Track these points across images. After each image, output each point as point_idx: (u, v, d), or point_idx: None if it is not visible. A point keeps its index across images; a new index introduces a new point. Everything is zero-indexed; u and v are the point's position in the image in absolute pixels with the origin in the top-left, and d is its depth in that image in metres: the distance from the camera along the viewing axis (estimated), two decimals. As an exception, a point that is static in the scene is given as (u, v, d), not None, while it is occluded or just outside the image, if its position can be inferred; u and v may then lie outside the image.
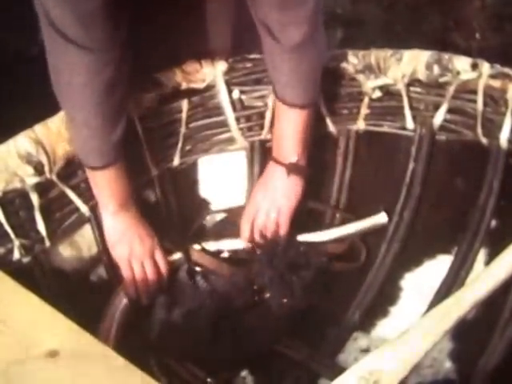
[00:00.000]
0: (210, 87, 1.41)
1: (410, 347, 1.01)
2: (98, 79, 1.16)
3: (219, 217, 1.46)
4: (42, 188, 1.28)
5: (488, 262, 1.28)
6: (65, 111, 1.24)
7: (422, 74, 1.34)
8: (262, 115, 1.44)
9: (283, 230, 1.36)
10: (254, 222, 1.37)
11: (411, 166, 1.40)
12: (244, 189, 1.47)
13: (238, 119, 1.44)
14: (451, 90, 1.34)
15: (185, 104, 1.40)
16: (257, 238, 1.37)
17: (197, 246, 1.38)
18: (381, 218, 1.41)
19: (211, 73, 1.40)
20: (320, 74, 1.29)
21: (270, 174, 1.36)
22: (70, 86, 1.17)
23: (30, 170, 1.25)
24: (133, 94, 1.31)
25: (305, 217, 1.40)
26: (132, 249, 1.31)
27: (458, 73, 1.32)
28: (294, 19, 1.17)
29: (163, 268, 1.34)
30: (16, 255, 1.27)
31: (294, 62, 1.24)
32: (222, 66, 1.40)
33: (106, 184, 1.27)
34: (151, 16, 1.27)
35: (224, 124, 1.45)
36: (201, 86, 1.40)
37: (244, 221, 1.37)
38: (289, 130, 1.31)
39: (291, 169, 1.33)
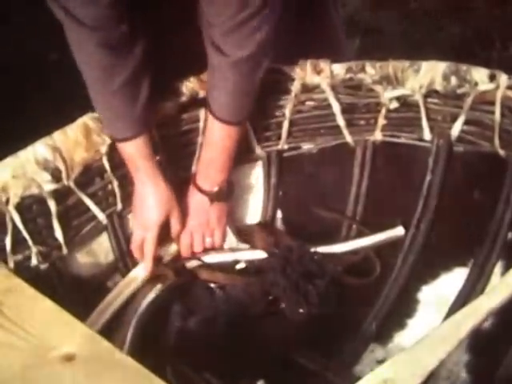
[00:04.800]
0: (226, 97, 1.42)
1: (424, 356, 1.00)
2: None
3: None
4: (60, 195, 1.28)
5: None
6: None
7: (439, 85, 1.33)
8: (279, 125, 1.44)
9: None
10: (191, 247, 1.39)
11: (428, 177, 1.40)
12: (260, 199, 1.47)
13: (255, 129, 1.44)
14: (469, 101, 1.33)
15: (202, 113, 1.40)
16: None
17: (194, 262, 1.39)
18: (398, 231, 1.41)
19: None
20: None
21: (196, 201, 1.37)
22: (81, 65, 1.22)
23: (47, 176, 1.25)
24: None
25: (321, 228, 1.40)
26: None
27: (476, 84, 1.31)
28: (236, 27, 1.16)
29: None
30: (33, 262, 1.27)
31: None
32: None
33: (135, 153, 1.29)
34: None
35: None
36: (218, 95, 1.41)
37: (183, 251, 1.39)
38: (220, 149, 1.31)
39: (215, 197, 1.36)
